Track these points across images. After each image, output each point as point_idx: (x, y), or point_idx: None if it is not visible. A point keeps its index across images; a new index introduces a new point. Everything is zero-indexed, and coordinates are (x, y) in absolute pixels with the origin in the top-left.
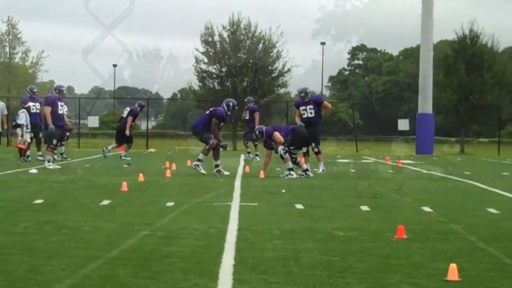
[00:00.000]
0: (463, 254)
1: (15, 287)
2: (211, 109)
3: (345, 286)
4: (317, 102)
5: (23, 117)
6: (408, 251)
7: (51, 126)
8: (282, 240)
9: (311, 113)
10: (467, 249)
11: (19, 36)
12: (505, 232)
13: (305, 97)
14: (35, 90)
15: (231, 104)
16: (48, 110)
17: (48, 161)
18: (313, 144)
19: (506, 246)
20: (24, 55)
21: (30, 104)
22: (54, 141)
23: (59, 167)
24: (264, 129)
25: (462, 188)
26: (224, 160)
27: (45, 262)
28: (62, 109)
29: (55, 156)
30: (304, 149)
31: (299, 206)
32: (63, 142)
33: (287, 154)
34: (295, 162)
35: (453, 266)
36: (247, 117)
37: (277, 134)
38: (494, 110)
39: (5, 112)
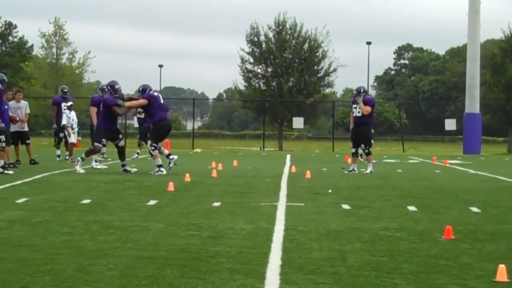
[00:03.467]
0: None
1: (63, 287)
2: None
3: (393, 287)
4: (365, 103)
5: (64, 118)
6: (456, 252)
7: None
8: (329, 241)
9: (359, 112)
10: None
11: (66, 37)
12: None
13: (357, 96)
14: (66, 90)
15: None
16: (93, 110)
17: (96, 161)
18: (362, 146)
19: None
20: (71, 56)
21: (62, 104)
22: (103, 141)
23: (106, 167)
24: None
25: (510, 188)
26: (269, 161)
27: (93, 262)
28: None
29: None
30: (353, 150)
31: (345, 207)
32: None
33: (155, 151)
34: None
35: (502, 267)
36: None
37: None
38: None
39: (28, 111)
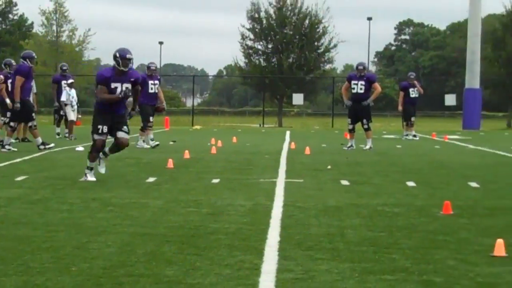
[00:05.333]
0: (511, 230)
1: (62, 264)
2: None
3: (391, 262)
4: (369, 80)
5: (64, 95)
6: (454, 227)
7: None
8: (328, 217)
9: (361, 89)
10: None
11: (66, 14)
12: None
13: (362, 71)
14: (65, 67)
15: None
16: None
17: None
18: (364, 120)
19: None
20: (71, 33)
21: (63, 82)
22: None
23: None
24: None
25: (510, 164)
26: (269, 137)
27: (92, 239)
28: (154, 87)
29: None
30: (350, 126)
31: (344, 183)
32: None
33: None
34: None
35: (500, 242)
36: None
37: None
38: None
39: (35, 90)
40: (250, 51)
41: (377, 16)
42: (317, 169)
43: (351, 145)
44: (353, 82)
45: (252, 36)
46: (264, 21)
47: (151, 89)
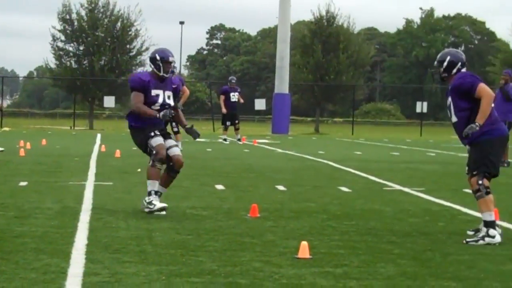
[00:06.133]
0: (315, 232)
1: None
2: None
3: (198, 265)
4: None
5: None
6: (261, 230)
7: None
8: (136, 220)
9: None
10: (318, 227)
11: None
12: (356, 210)
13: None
14: None
15: None
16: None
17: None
18: (173, 124)
19: (357, 224)
20: None
21: None
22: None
23: None
24: None
25: (316, 167)
26: (79, 140)
27: None
28: None
29: None
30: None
31: None
32: None
33: None
34: None
35: (304, 244)
36: None
37: None
38: (349, 91)
39: None
40: (61, 52)
41: (190, 20)
42: (127, 172)
43: None
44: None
45: (63, 38)
46: (76, 23)
47: None
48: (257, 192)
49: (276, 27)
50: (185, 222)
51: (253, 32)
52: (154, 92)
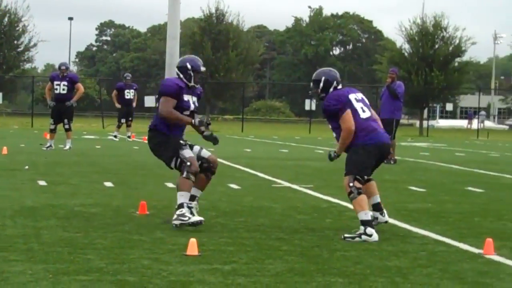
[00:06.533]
0: (204, 229)
1: None
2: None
3: (86, 263)
4: (72, 80)
5: None
6: (150, 227)
7: None
8: (24, 217)
9: (63, 89)
10: (207, 224)
11: None
12: (245, 207)
13: (65, 71)
14: None
15: None
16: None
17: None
18: (65, 121)
19: (246, 221)
20: None
21: None
22: None
23: None
24: None
25: None
26: None
27: None
28: None
29: None
30: (52, 126)
31: (42, 183)
32: None
33: None
34: None
35: (192, 241)
36: None
37: None
38: (238, 88)
39: None
40: None
41: (78, 16)
42: (14, 169)
43: (50, 145)
44: (55, 82)
45: None
46: None
47: None
48: (146, 189)
49: (165, 24)
50: (73, 219)
51: (143, 29)
52: (186, 97)
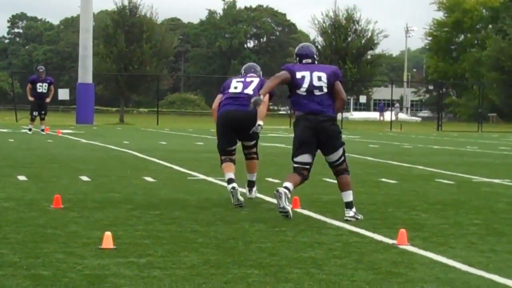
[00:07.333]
0: (119, 223)
1: None
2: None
3: (0, 257)
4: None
5: None
6: (64, 221)
7: None
8: None
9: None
10: (123, 217)
11: None
12: (160, 200)
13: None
14: None
15: None
16: None
17: None
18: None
19: (161, 214)
20: None
21: None
22: None
23: None
24: None
25: (120, 157)
26: None
27: None
28: None
29: None
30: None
31: None
32: None
33: None
34: None
35: (107, 234)
36: None
37: None
38: (153, 81)
39: None
40: None
41: None
42: None
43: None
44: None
45: None
46: None
47: None
48: (60, 183)
49: (78, 17)
50: None
51: (55, 21)
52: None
